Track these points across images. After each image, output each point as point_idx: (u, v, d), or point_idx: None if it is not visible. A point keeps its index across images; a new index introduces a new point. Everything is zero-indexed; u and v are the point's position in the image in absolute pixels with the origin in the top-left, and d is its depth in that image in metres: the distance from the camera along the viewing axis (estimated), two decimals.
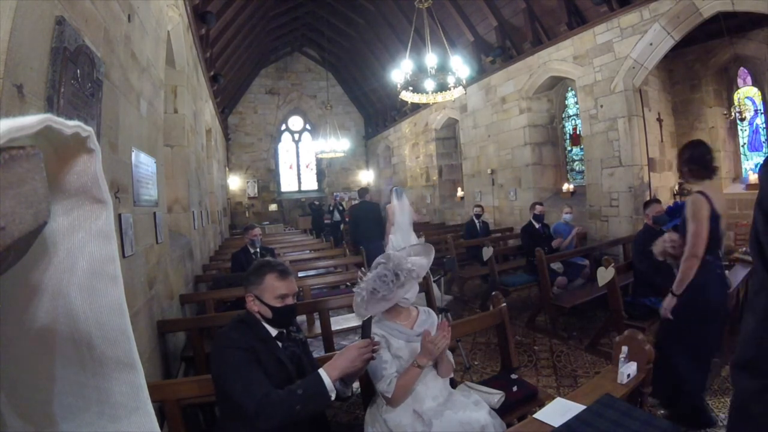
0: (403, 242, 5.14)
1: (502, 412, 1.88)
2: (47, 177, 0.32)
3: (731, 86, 6.93)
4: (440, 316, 1.87)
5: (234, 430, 1.49)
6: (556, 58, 6.91)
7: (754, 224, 1.02)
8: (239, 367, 1.43)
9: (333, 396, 1.42)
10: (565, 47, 6.71)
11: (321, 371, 1.43)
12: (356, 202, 6.14)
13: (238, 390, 1.39)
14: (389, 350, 1.72)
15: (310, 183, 15.85)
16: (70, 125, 0.33)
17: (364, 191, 6.33)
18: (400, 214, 5.46)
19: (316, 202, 13.09)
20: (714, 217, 2.28)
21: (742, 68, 6.77)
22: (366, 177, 16.14)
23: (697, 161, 2.39)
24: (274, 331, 1.60)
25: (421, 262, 1.86)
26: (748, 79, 6.75)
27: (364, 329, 1.55)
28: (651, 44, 5.49)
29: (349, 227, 6.21)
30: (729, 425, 1.15)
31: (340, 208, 10.95)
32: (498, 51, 7.85)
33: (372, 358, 1.52)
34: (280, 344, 1.60)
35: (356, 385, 1.69)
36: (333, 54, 13.32)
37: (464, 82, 5.64)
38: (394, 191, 5.77)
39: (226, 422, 1.55)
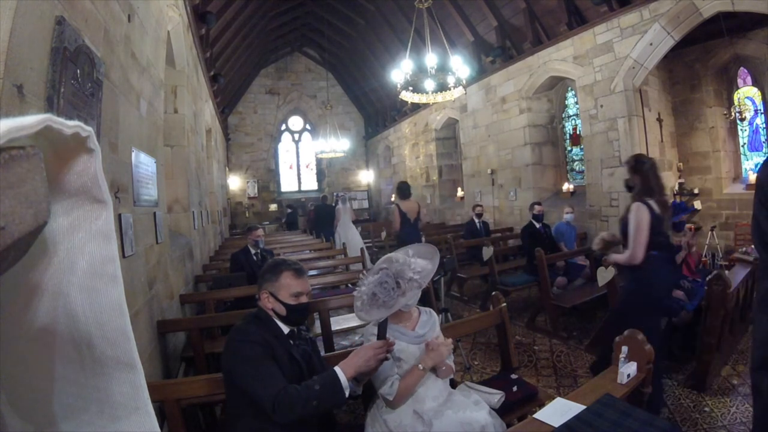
0: (343, 231, 8.07)
1: (502, 412, 1.88)
2: (47, 177, 0.32)
3: (731, 86, 6.92)
4: (440, 316, 1.87)
5: (243, 427, 1.50)
6: (556, 58, 6.91)
7: (755, 219, 1.00)
8: (256, 360, 1.44)
9: (347, 393, 1.44)
10: (565, 47, 6.71)
11: (337, 368, 1.45)
12: (319, 203, 9.87)
13: (254, 384, 1.40)
14: (391, 353, 1.72)
15: (310, 183, 15.84)
16: (70, 125, 0.33)
17: (325, 198, 10.05)
18: (344, 213, 8.25)
19: (311, 206, 13.20)
20: (402, 213, 5.20)
21: (742, 68, 6.76)
22: (366, 177, 16.13)
23: (400, 190, 5.37)
24: (286, 329, 1.62)
25: (426, 266, 1.77)
26: (748, 79, 6.74)
27: (380, 330, 1.56)
28: (651, 44, 5.49)
29: (313, 220, 9.72)
30: (757, 429, 1.10)
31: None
32: (498, 51, 7.84)
33: (386, 358, 1.53)
34: (291, 342, 1.62)
35: None
36: (333, 54, 13.31)
37: (464, 82, 5.64)
38: (340, 198, 8.72)
39: (234, 419, 1.55)
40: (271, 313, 1.61)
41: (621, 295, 2.75)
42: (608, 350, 2.77)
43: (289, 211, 12.63)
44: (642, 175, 2.56)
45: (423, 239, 5.80)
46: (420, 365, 1.68)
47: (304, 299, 1.63)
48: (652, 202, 2.51)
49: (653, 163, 2.62)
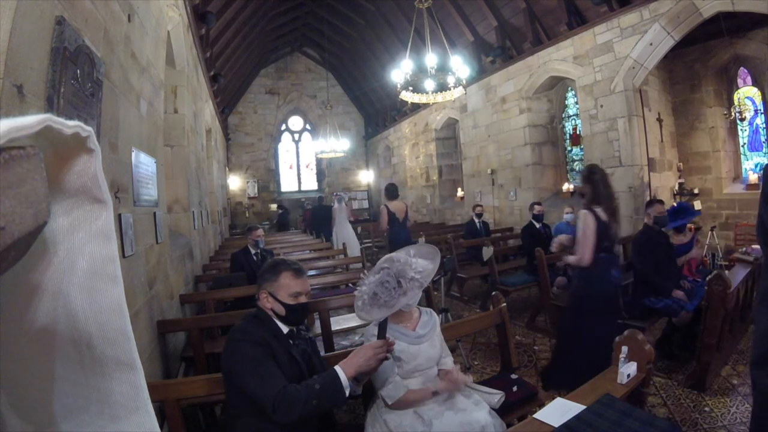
0: (339, 229, 8.32)
1: (502, 412, 1.88)
2: (47, 177, 0.32)
3: (731, 86, 6.92)
4: (440, 316, 1.87)
5: (243, 427, 1.50)
6: (556, 58, 6.91)
7: (760, 218, 1.01)
8: (256, 360, 1.44)
9: (347, 393, 1.44)
10: (565, 47, 6.71)
11: (337, 368, 1.45)
12: (316, 204, 10.53)
13: (254, 384, 1.40)
14: (391, 353, 1.73)
15: (310, 183, 15.84)
16: (70, 125, 0.33)
17: (322, 198, 10.82)
18: (340, 213, 8.52)
19: (308, 206, 13.19)
20: (391, 213, 5.37)
21: (742, 68, 6.77)
22: (366, 177, 16.13)
23: (388, 191, 5.53)
24: (285, 329, 1.62)
25: (427, 266, 1.79)
26: (748, 79, 6.74)
27: (381, 330, 1.56)
28: (651, 44, 5.49)
29: (310, 220, 9.98)
30: (754, 425, 1.10)
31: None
32: (498, 51, 7.84)
33: (386, 358, 1.54)
34: (291, 342, 1.62)
35: None
36: (333, 54, 13.31)
37: (464, 82, 5.64)
38: (336, 199, 8.95)
39: (234, 419, 1.55)
40: (271, 313, 1.61)
41: (569, 293, 3.00)
42: (564, 348, 2.84)
43: (280, 211, 12.53)
44: (592, 184, 2.79)
45: (423, 239, 5.97)
46: (433, 389, 1.70)
47: (303, 299, 1.63)
48: (599, 210, 2.75)
49: (604, 174, 2.87)
